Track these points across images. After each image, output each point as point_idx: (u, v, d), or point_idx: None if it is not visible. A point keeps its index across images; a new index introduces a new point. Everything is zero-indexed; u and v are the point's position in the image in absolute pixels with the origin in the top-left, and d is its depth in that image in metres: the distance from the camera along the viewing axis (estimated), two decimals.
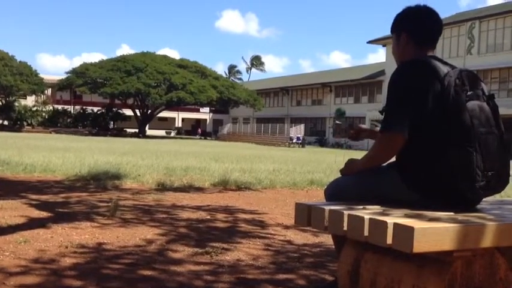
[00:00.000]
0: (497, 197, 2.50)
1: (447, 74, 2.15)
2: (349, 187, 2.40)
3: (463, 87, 2.15)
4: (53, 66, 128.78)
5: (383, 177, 2.31)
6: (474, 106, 2.15)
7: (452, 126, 2.10)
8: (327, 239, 4.30)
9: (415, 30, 2.38)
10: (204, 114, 71.93)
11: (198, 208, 5.78)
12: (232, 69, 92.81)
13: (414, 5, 2.42)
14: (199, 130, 65.07)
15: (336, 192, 2.43)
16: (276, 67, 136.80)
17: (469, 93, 2.16)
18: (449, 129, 2.10)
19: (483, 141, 2.11)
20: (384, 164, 2.35)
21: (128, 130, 52.90)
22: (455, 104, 2.11)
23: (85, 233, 4.12)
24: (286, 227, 4.86)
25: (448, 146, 2.10)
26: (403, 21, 2.43)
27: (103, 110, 55.31)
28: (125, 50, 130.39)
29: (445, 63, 2.26)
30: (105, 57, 53.89)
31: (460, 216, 2.01)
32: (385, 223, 1.78)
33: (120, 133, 50.20)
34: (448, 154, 2.10)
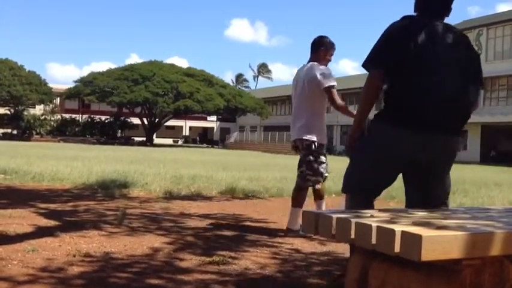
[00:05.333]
0: (506, 204, 2.50)
1: None
2: (359, 171, 2.76)
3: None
4: (63, 75, 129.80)
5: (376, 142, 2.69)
6: None
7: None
8: (334, 248, 4.27)
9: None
10: (211, 122, 72.03)
11: (206, 216, 5.77)
12: (239, 77, 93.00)
13: None
14: (198, 138, 65.73)
15: (353, 181, 2.79)
16: (285, 75, 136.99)
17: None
18: None
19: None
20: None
21: (136, 139, 53.09)
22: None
23: (93, 242, 4.12)
24: (294, 236, 4.84)
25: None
26: None
27: (111, 119, 55.55)
28: (134, 59, 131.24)
29: None
30: (113, 67, 54.17)
31: (469, 224, 2.00)
32: (392, 231, 1.77)
33: (127, 142, 50.37)
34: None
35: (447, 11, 2.75)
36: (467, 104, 2.61)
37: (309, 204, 7.50)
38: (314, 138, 4.83)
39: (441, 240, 1.72)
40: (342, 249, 4.16)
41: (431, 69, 2.49)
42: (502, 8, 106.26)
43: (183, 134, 69.65)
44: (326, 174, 4.98)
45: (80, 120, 58.11)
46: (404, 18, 2.64)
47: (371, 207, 2.70)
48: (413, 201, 2.83)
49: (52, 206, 6.12)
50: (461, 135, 2.73)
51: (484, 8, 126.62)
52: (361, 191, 2.79)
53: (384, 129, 2.67)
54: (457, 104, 2.55)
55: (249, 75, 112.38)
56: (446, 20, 2.78)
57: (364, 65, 2.70)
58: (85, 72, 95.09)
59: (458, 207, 3.60)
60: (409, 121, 2.54)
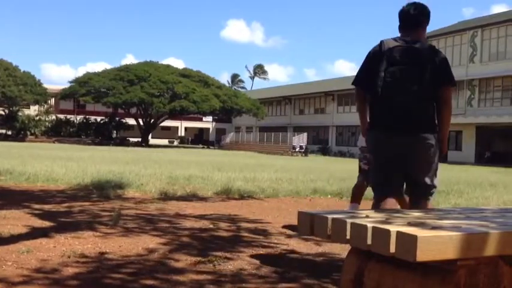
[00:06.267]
0: (500, 205, 2.52)
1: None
2: (371, 168, 3.46)
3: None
4: (58, 76, 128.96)
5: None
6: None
7: None
8: (330, 248, 4.28)
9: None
10: (207, 123, 71.96)
11: (201, 217, 5.77)
12: (235, 78, 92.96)
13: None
14: (189, 138, 66.16)
15: (371, 177, 3.55)
16: (281, 76, 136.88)
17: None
18: None
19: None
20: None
21: (131, 139, 52.94)
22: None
23: (87, 243, 4.11)
24: (289, 236, 4.84)
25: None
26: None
27: (106, 120, 55.41)
28: (130, 59, 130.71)
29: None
30: (109, 67, 54.01)
31: (464, 225, 2.00)
32: (388, 231, 1.77)
33: (123, 142, 50.23)
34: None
35: (410, 24, 3.33)
36: (415, 108, 3.14)
37: (305, 206, 7.53)
38: None
39: (436, 241, 1.72)
40: (338, 249, 4.16)
41: (386, 84, 3.12)
42: (496, 9, 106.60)
43: (179, 134, 69.56)
44: None
45: (75, 120, 57.95)
46: (380, 42, 3.26)
47: (395, 200, 3.34)
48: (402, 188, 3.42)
49: (47, 206, 6.10)
50: (427, 133, 3.18)
51: (478, 9, 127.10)
52: (376, 185, 3.41)
53: (369, 134, 3.37)
54: (404, 109, 3.13)
55: (245, 75, 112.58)
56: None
57: (352, 82, 3.42)
58: (80, 72, 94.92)
59: (453, 208, 3.62)
60: (379, 126, 3.25)
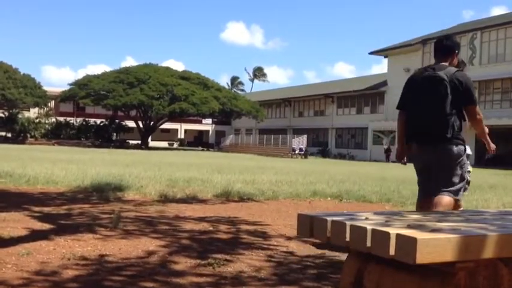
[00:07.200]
0: (500, 207, 2.52)
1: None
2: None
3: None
4: (58, 78, 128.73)
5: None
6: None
7: None
8: (329, 250, 4.28)
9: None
10: (207, 125, 71.94)
11: (201, 219, 5.77)
12: (235, 80, 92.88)
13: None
14: (186, 141, 66.45)
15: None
16: (281, 78, 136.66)
17: None
18: None
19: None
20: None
21: (131, 142, 52.90)
22: None
23: (87, 245, 4.11)
24: (289, 238, 4.84)
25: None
26: None
27: (106, 122, 55.39)
28: (130, 62, 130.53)
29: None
30: (109, 69, 53.97)
31: (463, 227, 2.01)
32: (387, 234, 1.77)
33: (122, 145, 50.20)
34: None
35: (441, 53, 4.03)
36: (435, 124, 3.77)
37: (305, 208, 7.53)
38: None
39: (436, 243, 1.73)
40: (337, 252, 4.17)
41: (412, 106, 3.93)
42: (496, 12, 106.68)
43: (178, 137, 69.55)
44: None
45: (75, 123, 57.92)
46: (413, 73, 4.10)
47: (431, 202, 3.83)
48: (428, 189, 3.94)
49: (46, 209, 6.10)
50: (448, 144, 3.76)
51: (478, 12, 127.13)
52: (418, 185, 4.06)
53: (407, 145, 4.05)
54: (426, 125, 3.81)
55: (244, 78, 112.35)
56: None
57: (396, 107, 4.14)
58: (80, 75, 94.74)
59: (451, 210, 3.62)
60: (411, 139, 3.98)
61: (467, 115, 3.89)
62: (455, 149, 3.78)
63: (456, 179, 3.86)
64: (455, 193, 3.83)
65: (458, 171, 3.87)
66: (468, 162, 5.08)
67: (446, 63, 3.91)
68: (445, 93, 3.72)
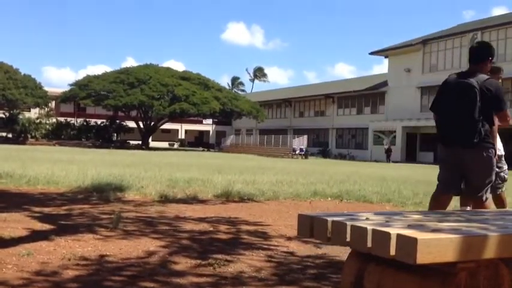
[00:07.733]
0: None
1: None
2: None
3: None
4: (59, 78, 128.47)
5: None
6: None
7: None
8: (330, 251, 4.28)
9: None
10: (207, 126, 71.95)
11: (201, 220, 5.77)
12: (235, 81, 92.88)
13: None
14: (187, 141, 66.58)
15: (438, 176, 4.32)
16: (281, 79, 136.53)
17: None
18: None
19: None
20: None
21: (131, 142, 52.94)
22: None
23: (88, 245, 4.11)
24: (289, 239, 4.84)
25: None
26: None
27: (106, 122, 55.42)
28: (130, 62, 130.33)
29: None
30: (109, 70, 53.97)
31: (464, 227, 2.00)
32: (388, 234, 1.77)
33: (123, 145, 50.22)
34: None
35: (473, 59, 4.21)
36: (464, 128, 3.98)
37: (305, 208, 7.53)
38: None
39: (436, 243, 1.72)
40: (338, 252, 4.16)
41: (443, 109, 4.17)
42: (497, 12, 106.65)
43: (179, 137, 69.56)
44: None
45: (76, 123, 57.95)
46: (446, 78, 4.29)
47: (447, 197, 4.31)
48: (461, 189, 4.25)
49: (47, 209, 6.10)
50: (475, 149, 3.98)
51: (479, 12, 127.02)
52: (439, 182, 4.32)
53: (438, 146, 4.33)
54: (456, 128, 4.05)
55: (245, 78, 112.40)
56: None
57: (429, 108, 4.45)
58: (81, 75, 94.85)
59: (453, 210, 3.62)
60: (441, 140, 4.22)
61: (498, 120, 4.15)
62: (482, 153, 3.99)
63: (483, 181, 4.08)
64: (483, 193, 4.07)
65: (486, 174, 4.08)
66: (503, 161, 5.14)
67: (479, 70, 4.10)
68: (475, 100, 3.92)
